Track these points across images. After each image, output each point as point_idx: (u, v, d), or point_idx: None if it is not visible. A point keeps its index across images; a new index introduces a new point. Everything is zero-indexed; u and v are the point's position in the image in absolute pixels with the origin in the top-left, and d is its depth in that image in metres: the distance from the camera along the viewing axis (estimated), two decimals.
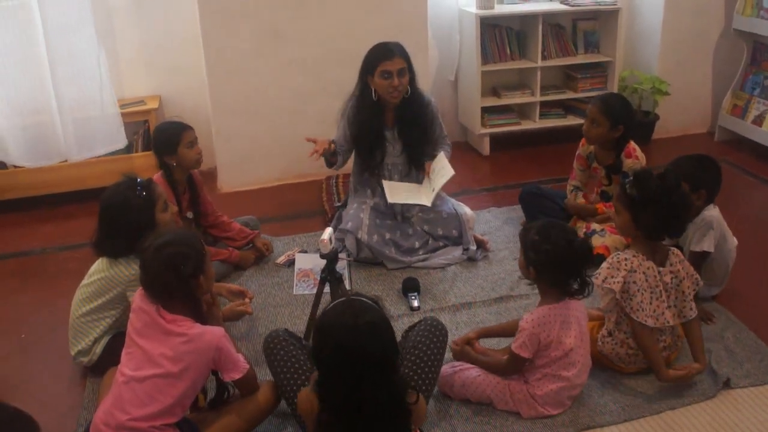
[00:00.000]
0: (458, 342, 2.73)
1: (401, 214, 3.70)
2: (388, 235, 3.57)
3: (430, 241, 3.65)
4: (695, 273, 2.72)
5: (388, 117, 3.61)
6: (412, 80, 3.53)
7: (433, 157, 3.68)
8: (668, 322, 2.62)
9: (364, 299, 1.94)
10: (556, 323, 2.46)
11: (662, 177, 2.59)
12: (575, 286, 2.48)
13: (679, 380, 2.61)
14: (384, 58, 3.41)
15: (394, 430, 1.94)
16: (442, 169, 3.57)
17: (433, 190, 3.56)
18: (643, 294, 2.58)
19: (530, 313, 2.49)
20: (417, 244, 3.62)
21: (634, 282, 2.58)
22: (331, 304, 1.94)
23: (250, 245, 3.70)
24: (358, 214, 3.59)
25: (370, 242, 3.50)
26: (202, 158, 3.42)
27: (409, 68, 3.48)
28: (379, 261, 3.56)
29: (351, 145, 3.66)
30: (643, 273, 2.59)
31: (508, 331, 2.73)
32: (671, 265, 2.66)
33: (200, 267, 2.27)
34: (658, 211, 2.55)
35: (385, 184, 3.65)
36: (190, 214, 3.47)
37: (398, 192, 3.62)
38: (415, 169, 3.71)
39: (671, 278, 2.64)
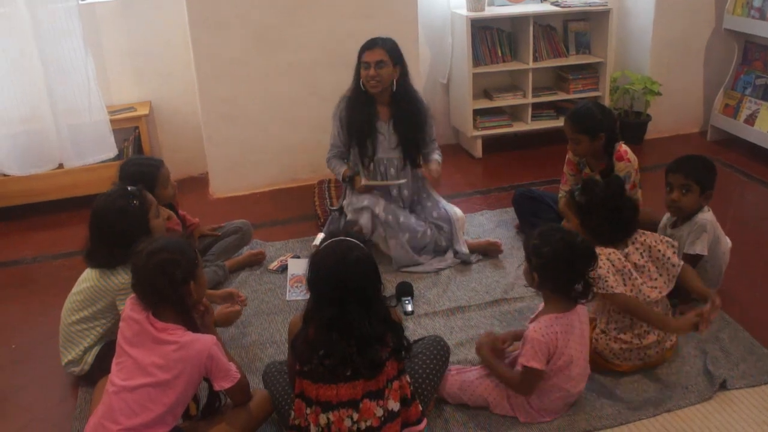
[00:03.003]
0: (485, 337, 2.66)
1: (409, 205, 3.74)
2: (402, 218, 3.58)
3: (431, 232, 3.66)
4: (664, 237, 2.77)
5: (382, 111, 3.62)
6: (405, 76, 3.57)
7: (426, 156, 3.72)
8: (648, 298, 2.64)
9: (352, 240, 2.21)
10: (560, 333, 2.42)
11: (607, 184, 2.73)
12: (579, 289, 2.45)
13: (690, 326, 2.50)
14: (365, 49, 3.48)
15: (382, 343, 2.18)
16: None
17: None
18: (615, 277, 2.60)
19: (536, 322, 2.45)
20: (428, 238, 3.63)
21: (600, 267, 2.58)
22: (325, 244, 2.23)
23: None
24: (371, 196, 3.62)
25: (387, 220, 3.53)
26: (177, 191, 3.35)
27: (397, 63, 3.50)
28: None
29: (346, 143, 3.67)
30: (607, 258, 2.62)
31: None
32: (634, 242, 2.71)
33: (192, 274, 2.26)
34: (606, 214, 2.67)
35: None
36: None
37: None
38: (410, 165, 3.70)
39: (640, 254, 2.68)
